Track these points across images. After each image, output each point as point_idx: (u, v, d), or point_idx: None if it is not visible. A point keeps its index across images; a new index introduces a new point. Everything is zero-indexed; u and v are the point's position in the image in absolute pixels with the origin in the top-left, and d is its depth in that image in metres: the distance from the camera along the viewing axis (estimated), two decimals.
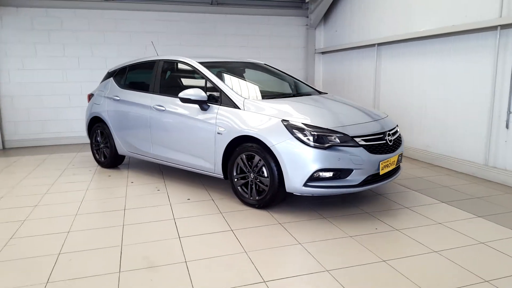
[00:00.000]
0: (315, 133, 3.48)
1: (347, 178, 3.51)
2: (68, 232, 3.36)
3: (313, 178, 3.47)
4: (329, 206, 3.93)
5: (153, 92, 4.85)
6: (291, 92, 4.73)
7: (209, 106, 4.17)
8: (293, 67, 8.98)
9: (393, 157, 3.80)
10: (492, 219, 3.51)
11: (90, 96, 5.95)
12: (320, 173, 3.47)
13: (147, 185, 4.75)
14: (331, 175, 3.49)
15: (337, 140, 3.49)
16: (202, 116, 4.19)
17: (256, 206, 3.85)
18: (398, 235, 3.22)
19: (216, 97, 4.19)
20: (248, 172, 3.86)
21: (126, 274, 2.63)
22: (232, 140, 3.93)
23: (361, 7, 7.47)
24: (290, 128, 3.54)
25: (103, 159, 5.67)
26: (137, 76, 5.40)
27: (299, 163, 3.46)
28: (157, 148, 4.78)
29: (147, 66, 5.23)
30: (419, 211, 3.74)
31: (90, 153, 6.67)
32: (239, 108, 3.95)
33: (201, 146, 4.22)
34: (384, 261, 2.76)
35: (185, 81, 4.88)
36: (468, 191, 4.39)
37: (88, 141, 5.95)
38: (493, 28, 4.72)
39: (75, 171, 5.51)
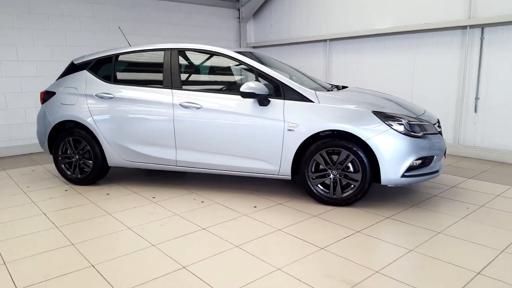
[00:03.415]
0: (410, 123, 3.52)
1: (430, 165, 3.68)
2: (184, 267, 2.58)
3: (408, 168, 3.51)
4: (386, 194, 4.03)
5: (173, 87, 4.06)
6: (328, 85, 4.59)
7: (269, 101, 3.74)
8: None
9: None
10: None
11: (47, 95, 4.58)
12: (414, 162, 3.54)
13: (179, 198, 3.98)
14: (420, 163, 3.60)
15: (426, 129, 3.61)
16: (263, 112, 3.73)
17: (343, 203, 3.66)
18: (491, 211, 3.55)
19: (273, 91, 3.79)
20: (329, 169, 3.64)
21: None
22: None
23: (304, 5, 7.69)
24: (385, 119, 3.49)
25: (80, 175, 4.45)
26: (134, 69, 4.42)
27: (398, 154, 3.44)
28: (186, 153, 4.03)
29: (147, 56, 4.34)
30: (467, 187, 4.19)
31: (29, 169, 5.22)
32: (311, 101, 3.67)
33: (262, 146, 3.76)
34: None
35: (221, 74, 4.25)
36: (467, 166, 5.10)
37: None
38: (463, 27, 5.55)
39: (50, 194, 4.18)
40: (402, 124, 3.48)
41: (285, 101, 3.72)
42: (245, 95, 3.66)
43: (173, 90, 4.04)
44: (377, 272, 2.49)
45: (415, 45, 6.13)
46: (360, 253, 2.75)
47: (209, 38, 8.41)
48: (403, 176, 3.48)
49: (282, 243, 2.93)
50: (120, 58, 4.39)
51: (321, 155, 3.63)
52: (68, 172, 4.50)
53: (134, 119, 4.11)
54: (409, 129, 3.49)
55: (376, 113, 3.52)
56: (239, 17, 8.84)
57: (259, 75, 3.86)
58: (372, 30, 6.55)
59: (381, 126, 3.46)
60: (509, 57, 5.18)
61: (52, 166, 5.40)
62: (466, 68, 5.60)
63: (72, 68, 4.56)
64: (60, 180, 4.69)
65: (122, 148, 4.22)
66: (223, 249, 2.84)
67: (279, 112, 3.69)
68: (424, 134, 3.56)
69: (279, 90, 3.78)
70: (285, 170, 3.77)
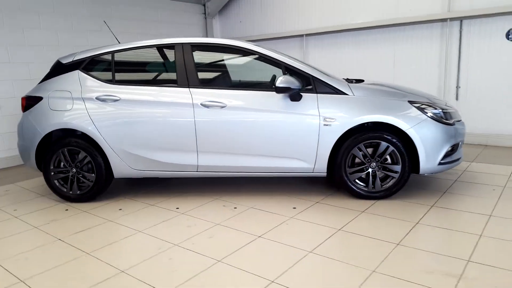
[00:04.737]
0: (444, 111, 3.57)
1: (457, 152, 3.76)
2: (272, 281, 2.32)
3: (444, 156, 3.55)
4: (410, 183, 4.08)
5: (190, 85, 3.70)
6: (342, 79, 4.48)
7: (301, 96, 3.56)
8: None
9: None
10: None
11: (31, 101, 3.95)
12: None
13: (206, 206, 3.65)
14: (449, 151, 3.66)
15: (454, 116, 3.69)
16: (296, 108, 3.54)
17: (383, 197, 3.61)
18: None
19: (303, 85, 3.62)
20: (367, 163, 3.57)
21: None
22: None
23: (277, 1, 7.61)
24: (421, 108, 3.49)
25: (79, 191, 3.90)
26: (139, 67, 3.96)
27: (436, 142, 3.47)
28: (209, 157, 3.70)
29: (154, 52, 3.93)
30: (476, 170, 4.38)
31: (1, 189, 4.49)
32: (346, 94, 3.57)
33: (295, 144, 3.57)
34: None
35: (242, 70, 3.96)
36: None
37: None
38: (443, 20, 5.82)
39: (50, 216, 3.60)
40: (438, 113, 3.51)
41: (318, 95, 3.57)
42: (280, 90, 3.45)
43: (191, 89, 3.68)
44: (469, 261, 2.45)
45: (395, 39, 6.32)
46: (437, 243, 2.71)
47: (175, 34, 7.95)
48: (439, 164, 3.52)
49: (353, 243, 2.78)
50: (120, 55, 3.91)
51: (359, 148, 3.54)
52: (64, 189, 3.91)
53: (147, 123, 3.69)
54: (443, 117, 3.53)
55: (412, 102, 3.51)
56: (205, 13, 8.48)
57: (287, 69, 3.66)
58: (351, 25, 6.63)
59: (419, 115, 3.46)
60: (486, 47, 5.54)
61: (28, 184, 4.71)
62: (447, 59, 5.88)
63: (60, 69, 3.97)
64: (50, 199, 4.08)
65: (132, 156, 3.76)
66: (299, 256, 2.62)
67: (313, 107, 3.53)
68: (454, 121, 3.63)
69: (309, 84, 3.61)
70: (320, 167, 3.62)
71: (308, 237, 2.89)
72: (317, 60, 7.25)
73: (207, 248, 2.80)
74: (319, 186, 4.08)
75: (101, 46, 4.01)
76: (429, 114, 3.47)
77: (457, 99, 5.93)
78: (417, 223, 3.07)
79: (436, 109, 3.52)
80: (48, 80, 3.98)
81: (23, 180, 4.87)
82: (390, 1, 6.24)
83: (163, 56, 3.95)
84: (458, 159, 3.75)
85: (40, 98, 3.89)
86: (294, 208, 3.52)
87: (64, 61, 3.99)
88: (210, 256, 2.67)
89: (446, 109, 3.61)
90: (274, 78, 4.18)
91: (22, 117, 3.98)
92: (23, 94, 5.63)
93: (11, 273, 2.57)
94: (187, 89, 3.69)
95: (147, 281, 2.38)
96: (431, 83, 6.09)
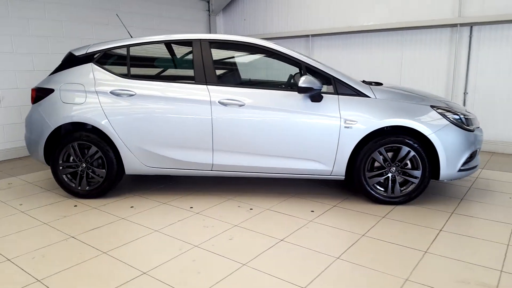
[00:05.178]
0: (466, 117, 3.54)
1: (475, 159, 3.74)
2: None
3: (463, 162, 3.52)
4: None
5: (208, 83, 3.61)
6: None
7: (322, 97, 3.50)
8: None
9: None
10: None
11: (41, 93, 3.81)
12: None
13: (220, 206, 3.56)
14: (469, 157, 3.63)
15: (474, 123, 3.67)
16: (316, 109, 3.48)
17: (402, 202, 3.56)
18: None
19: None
20: (387, 167, 3.51)
21: None
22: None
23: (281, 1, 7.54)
24: (444, 114, 3.46)
25: (88, 187, 3.78)
26: (155, 62, 3.85)
27: (458, 148, 3.43)
28: (224, 156, 3.61)
29: (170, 48, 3.82)
30: (489, 178, 4.37)
31: (3, 182, 4.35)
32: (368, 96, 3.51)
33: (314, 145, 3.50)
34: None
35: (261, 68, 3.87)
36: None
37: None
38: (453, 25, 5.81)
39: (59, 212, 3.47)
40: (459, 118, 3.48)
41: (339, 96, 3.51)
42: (302, 90, 3.38)
43: (208, 86, 3.59)
44: (502, 271, 2.41)
45: (403, 42, 6.30)
46: (465, 252, 2.66)
47: (179, 30, 7.83)
48: (459, 170, 3.48)
49: (380, 249, 2.72)
50: (136, 50, 3.80)
51: (379, 152, 3.48)
52: (72, 184, 3.79)
53: (162, 120, 3.58)
54: (464, 123, 3.50)
55: (435, 107, 3.47)
56: (209, 10, 8.37)
57: (308, 69, 3.59)
58: (360, 26, 6.59)
59: (441, 120, 3.42)
60: (495, 54, 5.54)
61: (30, 177, 4.56)
62: (455, 64, 5.88)
63: (72, 61, 3.84)
64: (56, 194, 3.95)
65: (146, 153, 3.66)
66: (327, 262, 2.55)
67: (334, 108, 3.47)
68: (475, 128, 3.60)
69: (330, 85, 3.55)
70: (339, 170, 3.56)
71: (332, 242, 2.83)
72: (322, 61, 7.19)
73: (229, 250, 2.71)
74: (334, 189, 4.02)
75: (116, 40, 3.89)
76: (451, 119, 3.44)
77: (464, 105, 5.92)
78: (440, 230, 3.03)
79: (457, 114, 3.49)
80: (59, 72, 3.84)
81: (26, 174, 4.71)
82: (399, 4, 6.22)
83: (181, 52, 3.85)
84: (475, 166, 3.72)
85: (51, 90, 3.75)
86: (312, 211, 3.45)
87: (77, 53, 3.86)
88: (234, 259, 2.58)
89: (467, 115, 3.58)
90: (291, 77, 4.12)
91: (31, 109, 3.84)
92: (26, 85, 5.51)
93: (26, 272, 2.45)
94: (205, 86, 3.59)
95: (173, 284, 2.29)
96: (438, 87, 6.09)
